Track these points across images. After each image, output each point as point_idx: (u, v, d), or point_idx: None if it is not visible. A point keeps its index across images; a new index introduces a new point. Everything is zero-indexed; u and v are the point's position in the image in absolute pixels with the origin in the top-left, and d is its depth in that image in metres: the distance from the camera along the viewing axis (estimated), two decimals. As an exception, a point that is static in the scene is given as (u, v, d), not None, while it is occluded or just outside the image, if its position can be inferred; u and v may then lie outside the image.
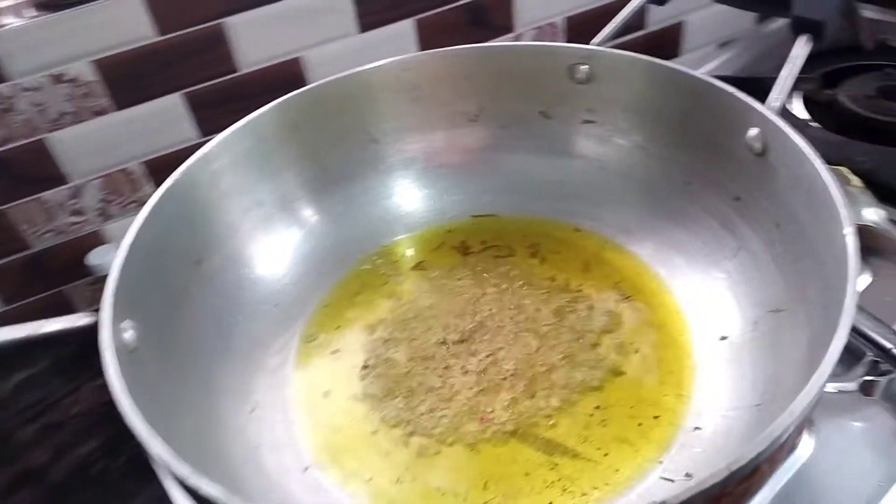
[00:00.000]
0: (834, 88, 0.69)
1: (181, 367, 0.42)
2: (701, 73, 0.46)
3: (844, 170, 0.58)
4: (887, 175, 0.58)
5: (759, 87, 0.58)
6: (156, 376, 0.39)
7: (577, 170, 0.55)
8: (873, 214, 0.55)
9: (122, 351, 0.36)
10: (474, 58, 0.53)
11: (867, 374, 0.45)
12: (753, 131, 0.42)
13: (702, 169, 0.48)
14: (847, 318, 0.30)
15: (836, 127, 0.67)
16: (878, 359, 0.46)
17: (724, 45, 0.93)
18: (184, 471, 0.29)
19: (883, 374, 0.45)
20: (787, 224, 0.41)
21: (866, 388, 0.43)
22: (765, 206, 0.43)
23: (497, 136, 0.56)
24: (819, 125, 0.66)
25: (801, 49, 0.43)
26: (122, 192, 0.70)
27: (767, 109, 0.41)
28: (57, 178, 0.66)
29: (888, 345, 0.45)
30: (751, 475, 0.27)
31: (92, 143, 0.66)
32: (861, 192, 0.56)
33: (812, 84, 0.68)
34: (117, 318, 0.36)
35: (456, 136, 0.56)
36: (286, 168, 0.52)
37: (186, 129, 0.69)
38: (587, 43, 0.52)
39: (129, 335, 0.37)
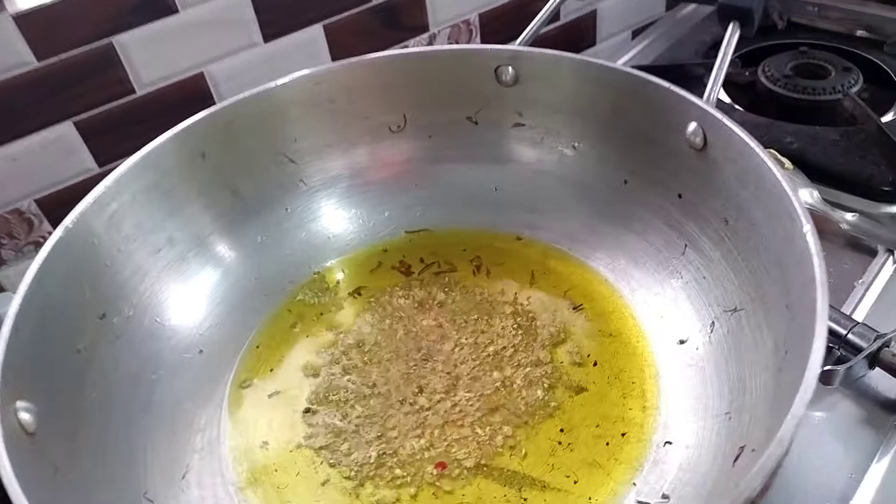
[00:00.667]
0: (753, 69, 0.69)
1: (96, 439, 0.37)
2: (629, 68, 0.44)
3: (775, 153, 0.58)
4: (815, 154, 0.58)
5: (682, 75, 0.56)
6: (64, 456, 0.34)
7: (511, 176, 0.52)
8: (808, 196, 0.55)
9: (18, 437, 0.31)
10: (392, 65, 0.50)
11: (825, 363, 0.44)
12: (692, 126, 0.41)
13: (640, 167, 0.46)
14: (821, 325, 0.28)
15: (757, 109, 0.67)
16: (833, 345, 0.45)
17: (637, 31, 0.93)
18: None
19: (840, 361, 0.44)
20: (736, 220, 0.40)
21: (825, 378, 0.42)
22: (710, 203, 0.42)
23: (424, 147, 0.53)
24: (741, 108, 0.66)
25: (731, 37, 0.42)
26: (15, 234, 0.63)
27: (706, 103, 0.40)
28: (-60, 225, 0.59)
29: (842, 331, 0.44)
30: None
31: (-25, 184, 0.59)
32: (794, 174, 0.56)
33: (730, 66, 0.68)
34: (9, 400, 0.31)
35: (380, 149, 0.53)
36: (194, 201, 0.47)
37: (82, 160, 0.63)
38: (504, 40, 0.49)
39: (25, 417, 0.32)
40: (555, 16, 0.87)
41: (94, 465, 0.36)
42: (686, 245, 0.44)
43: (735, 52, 0.72)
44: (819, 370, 0.27)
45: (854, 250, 0.53)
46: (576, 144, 0.49)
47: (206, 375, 0.45)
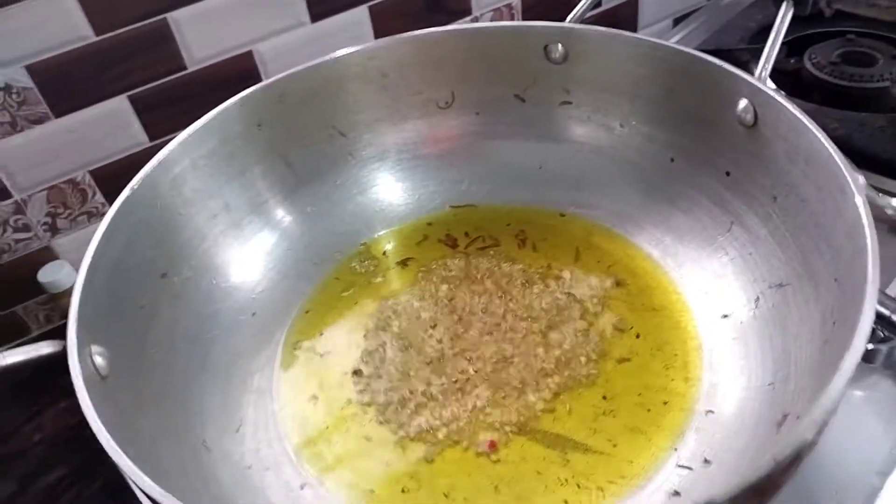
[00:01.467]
0: (798, 57, 0.69)
1: (158, 391, 0.39)
2: (680, 45, 0.44)
3: (820, 138, 0.57)
4: (860, 140, 0.58)
5: (728, 60, 0.56)
6: (131, 402, 0.36)
7: (556, 153, 0.53)
8: (852, 181, 0.54)
9: (94, 379, 0.33)
10: (444, 42, 0.51)
11: (868, 342, 0.44)
12: (743, 103, 0.41)
13: (688, 145, 0.47)
14: (872, 291, 0.29)
15: (803, 96, 0.66)
16: (876, 326, 0.45)
17: (679, 20, 0.92)
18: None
19: (883, 341, 0.44)
20: (784, 197, 0.40)
21: (868, 356, 0.43)
22: (759, 180, 0.42)
23: (472, 123, 0.54)
24: (786, 94, 0.66)
25: (784, 16, 0.42)
26: (69, 204, 0.65)
27: (757, 80, 0.40)
28: (-1, 193, 0.62)
29: (886, 312, 0.44)
30: (791, 463, 0.25)
31: (33, 154, 0.61)
32: (839, 159, 0.56)
33: (777, 54, 0.68)
34: (84, 344, 0.33)
35: (429, 124, 0.54)
36: (252, 168, 0.49)
37: (134, 133, 0.65)
38: (550, 20, 0.50)
39: (98, 361, 0.34)
40: (597, 2, 0.87)
41: (156, 413, 0.37)
42: (732, 222, 0.44)
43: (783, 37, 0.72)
44: (868, 332, 0.28)
45: (900, 235, 0.53)
46: (623, 123, 0.50)
47: (259, 336, 0.46)
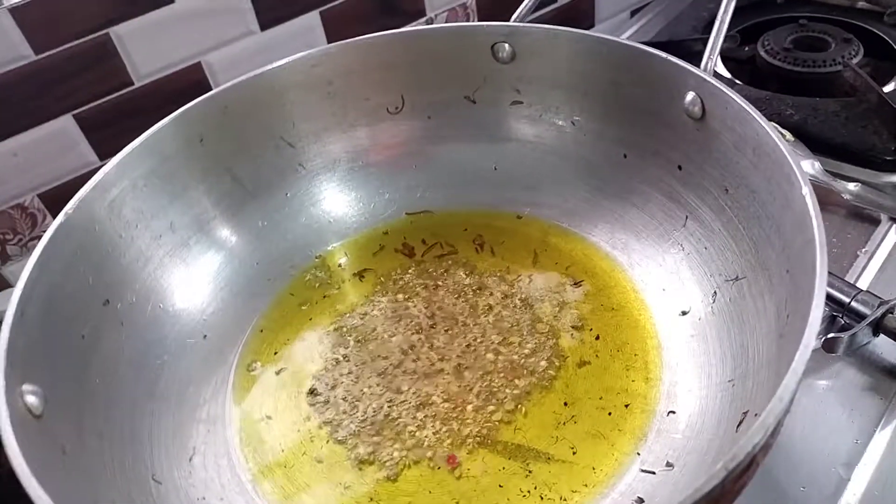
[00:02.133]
0: (752, 44, 0.69)
1: (102, 423, 0.37)
2: (626, 40, 0.43)
3: (776, 126, 0.57)
4: (815, 126, 0.58)
5: (681, 51, 0.56)
6: (71, 439, 0.34)
7: (510, 154, 0.52)
8: (809, 167, 0.54)
9: (26, 420, 0.31)
10: (389, 45, 0.49)
11: (828, 331, 0.44)
12: (690, 95, 0.41)
13: (639, 140, 0.46)
14: (821, 283, 0.28)
15: (757, 83, 0.66)
16: (837, 314, 0.45)
17: (636, 11, 0.92)
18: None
19: (843, 329, 0.44)
20: (735, 188, 0.39)
21: (829, 346, 0.42)
22: (710, 172, 0.41)
23: (423, 127, 0.53)
24: (741, 83, 0.65)
25: (727, 4, 0.41)
26: (19, 230, 0.63)
27: (703, 72, 0.39)
28: (-57, 222, 0.60)
29: (845, 299, 0.44)
30: (747, 468, 0.25)
31: (-23, 179, 0.59)
32: (795, 146, 0.56)
33: (730, 42, 0.68)
34: (14, 384, 0.31)
35: (379, 131, 0.53)
36: (196, 185, 0.47)
37: (82, 153, 0.63)
38: (499, 20, 0.49)
39: (31, 400, 0.32)
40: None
41: (101, 447, 0.36)
42: (687, 216, 0.44)
43: (734, 26, 0.72)
44: (818, 327, 0.27)
45: (857, 220, 0.53)
46: (574, 120, 0.49)
47: (210, 359, 0.45)
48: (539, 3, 0.86)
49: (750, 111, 0.36)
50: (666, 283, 0.44)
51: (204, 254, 0.48)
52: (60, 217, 0.39)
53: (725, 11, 0.41)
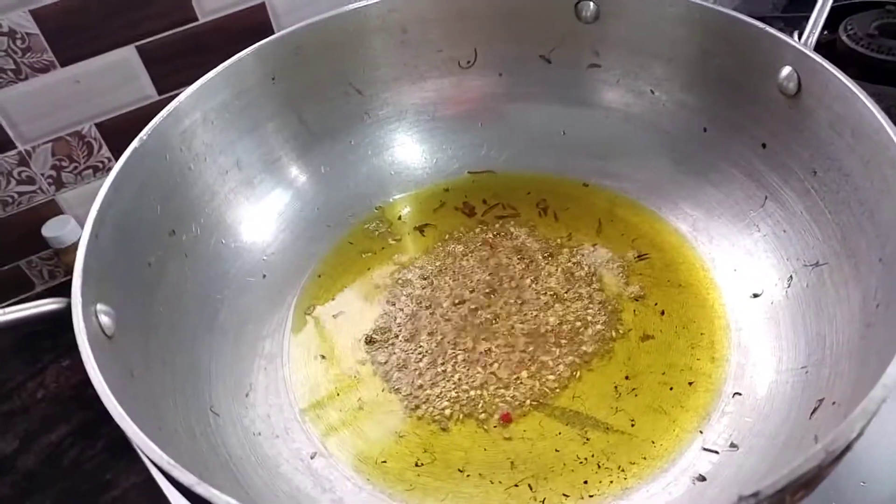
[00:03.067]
0: (833, 29, 0.66)
1: (165, 351, 0.37)
2: (722, 7, 0.42)
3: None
4: (898, 117, 0.56)
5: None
6: (138, 363, 0.34)
7: (582, 119, 0.51)
8: (888, 158, 0.52)
9: (99, 339, 0.31)
10: (469, -4, 0.48)
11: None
12: (786, 70, 0.39)
13: (722, 114, 0.45)
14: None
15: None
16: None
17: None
18: (187, 478, 0.25)
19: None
20: (825, 171, 0.38)
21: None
22: (798, 153, 0.40)
23: (494, 84, 0.51)
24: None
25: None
26: (74, 157, 0.63)
27: (804, 46, 0.38)
28: (1, 144, 0.60)
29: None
30: (841, 454, 0.24)
31: (38, 104, 0.59)
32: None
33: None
34: (89, 302, 0.32)
35: (448, 84, 0.52)
36: (265, 124, 0.47)
37: (142, 86, 0.63)
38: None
39: (104, 320, 0.32)
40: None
41: (164, 374, 0.36)
42: (766, 197, 0.42)
43: (813, 9, 0.69)
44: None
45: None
46: (654, 88, 0.47)
47: (270, 299, 0.45)
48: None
49: (854, 90, 0.35)
50: (738, 263, 0.43)
51: (267, 194, 0.47)
52: (135, 143, 0.39)
53: (832, -15, 0.39)
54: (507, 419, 0.38)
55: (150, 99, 0.64)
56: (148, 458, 0.25)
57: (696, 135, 0.46)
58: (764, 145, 0.42)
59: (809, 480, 0.23)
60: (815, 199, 0.39)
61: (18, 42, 0.56)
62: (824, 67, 0.36)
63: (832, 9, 0.70)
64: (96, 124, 0.63)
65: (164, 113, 0.40)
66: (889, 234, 0.32)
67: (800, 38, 0.39)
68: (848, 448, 0.24)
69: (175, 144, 0.41)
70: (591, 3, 0.46)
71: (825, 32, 0.67)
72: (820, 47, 0.66)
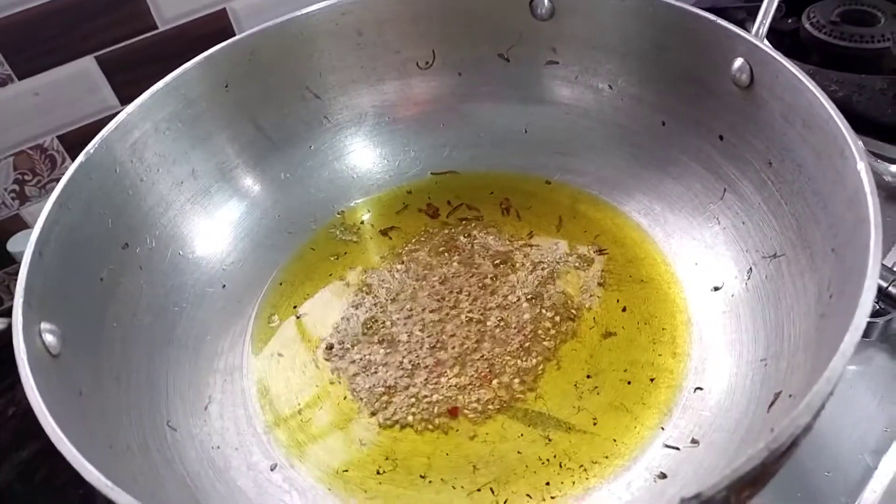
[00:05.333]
0: (796, 16, 0.66)
1: (119, 367, 0.37)
2: (674, 1, 0.41)
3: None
4: (860, 104, 0.56)
5: (724, 18, 0.54)
6: (88, 381, 0.34)
7: (542, 116, 0.50)
8: (851, 146, 0.52)
9: (43, 358, 0.31)
10: (425, -3, 0.48)
11: (863, 315, 0.43)
12: (738, 62, 0.39)
13: (680, 107, 0.44)
14: (874, 264, 0.27)
15: (799, 56, 0.64)
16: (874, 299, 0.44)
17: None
18: (124, 499, 0.24)
19: (878, 314, 0.42)
20: (780, 162, 0.38)
21: (864, 331, 0.41)
22: (753, 144, 0.40)
23: (453, 84, 0.51)
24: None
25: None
26: (38, 171, 0.63)
27: (754, 38, 0.38)
28: (-38, 158, 0.59)
29: (883, 283, 0.42)
30: (787, 450, 0.24)
31: (-3, 117, 0.59)
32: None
33: (776, 11, 0.65)
34: (32, 321, 0.31)
35: (408, 86, 0.51)
36: (219, 132, 0.46)
37: (104, 96, 0.62)
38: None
39: (49, 339, 0.32)
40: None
41: (117, 391, 0.36)
42: (725, 189, 0.42)
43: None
44: (869, 308, 0.26)
45: (898, 203, 0.51)
46: (612, 83, 0.47)
47: (229, 310, 0.44)
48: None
49: (803, 80, 0.35)
50: (699, 257, 0.43)
51: (225, 203, 0.47)
52: (81, 157, 0.38)
53: (782, -26, 0.39)
54: (453, 413, 0.38)
55: (113, 109, 0.63)
56: (85, 479, 0.25)
57: (655, 129, 0.46)
58: (721, 137, 0.42)
59: (755, 478, 0.23)
60: (772, 189, 0.39)
61: (-27, 56, 0.55)
62: (774, 58, 0.36)
63: (797, -4, 0.70)
64: (58, 137, 0.62)
65: (111, 125, 0.40)
66: (840, 225, 0.32)
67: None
68: (794, 444, 0.24)
69: (125, 157, 0.41)
70: (546, 1, 0.46)
71: (789, 21, 0.67)
72: (784, 35, 0.67)
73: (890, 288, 0.43)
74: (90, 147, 0.39)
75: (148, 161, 0.42)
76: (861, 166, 0.30)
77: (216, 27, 0.63)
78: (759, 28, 0.39)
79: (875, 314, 0.43)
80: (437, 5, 0.48)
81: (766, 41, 0.38)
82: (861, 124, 0.54)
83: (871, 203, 0.29)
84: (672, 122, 0.45)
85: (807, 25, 0.64)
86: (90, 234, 0.38)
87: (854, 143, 0.31)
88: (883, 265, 0.44)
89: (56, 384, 0.30)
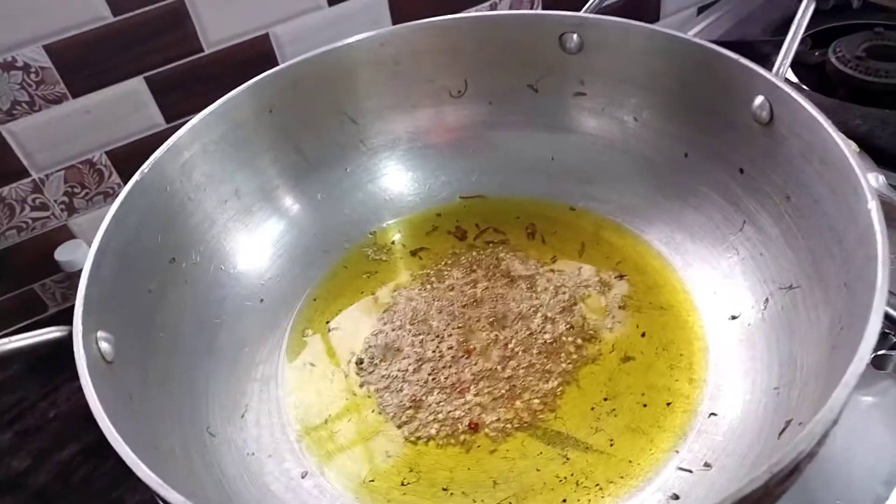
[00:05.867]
0: (823, 50, 0.67)
1: (164, 374, 0.39)
2: (698, 39, 0.43)
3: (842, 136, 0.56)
4: (883, 138, 0.57)
5: (749, 53, 0.55)
6: (137, 386, 0.36)
7: (569, 146, 0.52)
8: (873, 180, 0.53)
9: (99, 365, 0.33)
10: (457, 29, 0.50)
11: (879, 348, 0.44)
12: (759, 99, 0.40)
13: (702, 140, 0.46)
14: (880, 301, 0.28)
15: (825, 90, 0.65)
16: (889, 331, 0.45)
17: (703, 8, 0.90)
18: (174, 497, 0.27)
19: (893, 347, 0.43)
20: (798, 196, 0.39)
21: (878, 362, 0.42)
22: (772, 178, 0.41)
23: (484, 113, 0.53)
24: (808, 88, 0.64)
25: (805, 9, 0.41)
26: (86, 184, 0.66)
27: (774, 76, 0.39)
28: (17, 172, 0.62)
29: (899, 316, 0.43)
30: (790, 474, 0.25)
31: (50, 134, 0.62)
32: (860, 158, 0.55)
33: (800, 46, 0.66)
34: (90, 330, 0.33)
35: (441, 113, 0.53)
36: (263, 154, 0.49)
37: (150, 115, 0.65)
38: (567, 10, 0.49)
39: (105, 347, 0.34)
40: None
41: (162, 397, 0.38)
42: (745, 221, 0.44)
43: (807, 29, 0.71)
44: (874, 342, 0.27)
45: (918, 238, 0.52)
46: (637, 116, 0.49)
47: (266, 323, 0.46)
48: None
49: (820, 120, 0.36)
50: (718, 286, 0.44)
51: (265, 221, 0.49)
52: (136, 176, 0.41)
53: (803, 16, 0.40)
54: (473, 427, 0.40)
55: (159, 127, 0.66)
56: (139, 477, 0.27)
57: (677, 160, 0.47)
58: (741, 171, 0.44)
59: (758, 500, 0.24)
60: (789, 223, 0.40)
61: (32, 76, 0.59)
62: (792, 97, 0.38)
63: (824, 30, 0.71)
64: (107, 152, 0.65)
65: (164, 147, 0.43)
66: (853, 261, 0.33)
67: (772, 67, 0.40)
68: (797, 469, 0.25)
69: (175, 177, 0.43)
70: (575, 35, 0.48)
71: (816, 54, 0.68)
72: (810, 69, 0.68)
73: (906, 321, 0.43)
74: (144, 167, 0.41)
75: (196, 180, 0.45)
76: (872, 205, 0.32)
77: (259, 51, 0.66)
78: (779, 67, 0.40)
79: (891, 346, 0.44)
80: (469, 38, 0.50)
81: (791, 75, 0.39)
82: (884, 158, 0.55)
83: (881, 242, 0.30)
84: (694, 154, 0.47)
85: (833, 59, 0.65)
86: (142, 249, 0.41)
87: (866, 183, 0.33)
88: (900, 298, 0.45)
89: (110, 389, 0.32)
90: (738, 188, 0.44)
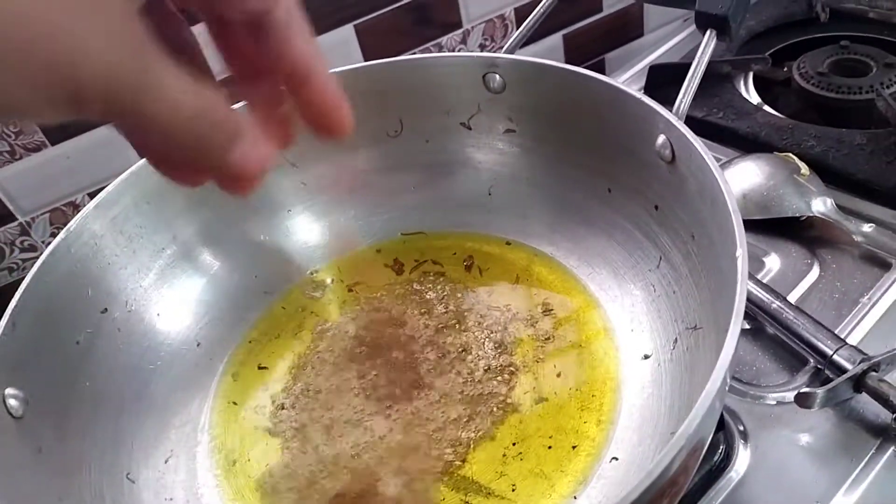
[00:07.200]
0: (790, 65, 0.66)
1: (87, 422, 0.41)
2: (607, 78, 0.43)
3: (793, 157, 0.55)
4: (837, 159, 0.55)
5: (706, 73, 0.54)
6: (49, 439, 0.38)
7: (503, 181, 0.52)
8: (821, 204, 0.52)
9: (3, 419, 0.35)
10: (385, 73, 0.51)
11: (807, 384, 0.43)
12: (661, 138, 0.40)
13: (622, 176, 0.46)
14: (727, 355, 0.27)
15: (790, 107, 0.63)
16: (821, 366, 0.43)
17: (688, 19, 0.89)
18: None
19: (824, 382, 0.42)
20: (700, 236, 0.39)
21: (801, 399, 0.41)
22: (680, 216, 0.41)
23: (422, 151, 0.54)
24: (771, 108, 0.63)
25: (706, 47, 0.40)
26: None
27: (674, 115, 0.39)
28: (3, 216, 0.66)
29: (828, 351, 0.42)
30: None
31: (32, 180, 0.66)
32: (810, 180, 0.54)
33: (762, 63, 0.65)
34: (-5, 387, 0.35)
35: (379, 152, 0.54)
36: (199, 202, 0.51)
37: (129, 157, 0.68)
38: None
39: (12, 403, 0.36)
40: (598, 7, 0.85)
41: (81, 447, 0.39)
42: (661, 257, 0.43)
43: (773, 45, 0.69)
44: (711, 400, 0.27)
45: (868, 263, 0.51)
46: (562, 151, 0.49)
47: (200, 366, 0.48)
48: (587, 12, 0.85)
49: (708, 162, 0.35)
50: (635, 323, 0.44)
51: (204, 265, 0.51)
52: (61, 235, 0.43)
53: (703, 53, 0.40)
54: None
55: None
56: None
57: (601, 196, 0.47)
58: (657, 207, 0.43)
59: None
60: (695, 261, 0.40)
61: (11, 126, 0.62)
62: (685, 136, 0.37)
63: (792, 44, 0.70)
64: (89, 194, 0.68)
65: (91, 205, 0.44)
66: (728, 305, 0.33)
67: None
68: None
69: (105, 231, 0.45)
70: (497, 76, 0.48)
71: (784, 69, 0.67)
72: (775, 85, 0.66)
73: (834, 356, 0.42)
74: (70, 225, 0.43)
75: (129, 232, 0.47)
76: (739, 252, 0.31)
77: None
78: (679, 106, 0.40)
79: (823, 382, 0.43)
80: (400, 82, 0.51)
81: (687, 120, 0.39)
82: (837, 179, 0.54)
83: (739, 291, 0.30)
84: (616, 190, 0.46)
85: (796, 76, 0.64)
86: (68, 302, 0.42)
87: (739, 228, 0.32)
88: (830, 332, 0.44)
89: (12, 444, 0.34)
90: (654, 224, 0.44)
